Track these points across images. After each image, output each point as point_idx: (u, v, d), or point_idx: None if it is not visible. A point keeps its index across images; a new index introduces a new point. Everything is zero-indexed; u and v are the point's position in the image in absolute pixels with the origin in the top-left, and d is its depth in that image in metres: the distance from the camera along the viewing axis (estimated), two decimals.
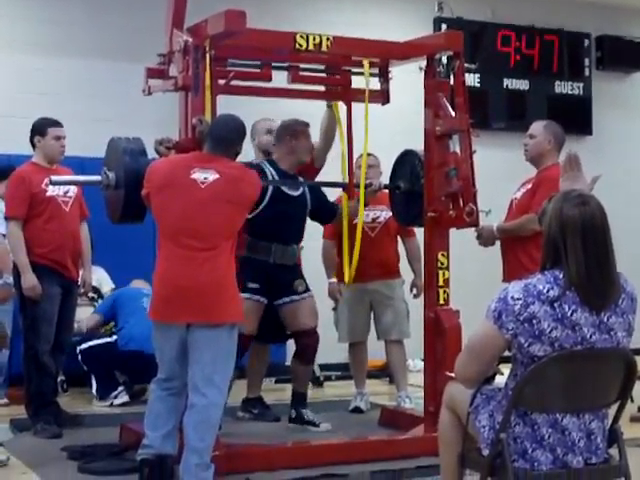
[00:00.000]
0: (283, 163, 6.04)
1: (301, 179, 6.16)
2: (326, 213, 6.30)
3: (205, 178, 4.71)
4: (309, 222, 6.27)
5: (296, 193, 6.04)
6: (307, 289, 6.12)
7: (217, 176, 4.72)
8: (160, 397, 4.82)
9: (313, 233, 6.68)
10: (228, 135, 4.88)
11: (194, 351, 4.66)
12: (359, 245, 5.96)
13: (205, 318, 4.64)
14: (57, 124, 6.33)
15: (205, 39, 5.20)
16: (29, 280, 6.09)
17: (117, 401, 7.24)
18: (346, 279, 6.13)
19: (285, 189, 5.98)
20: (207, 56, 5.22)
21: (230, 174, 4.76)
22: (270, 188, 5.86)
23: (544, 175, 5.82)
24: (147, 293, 7.13)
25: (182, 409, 4.74)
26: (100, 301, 7.86)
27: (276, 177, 5.96)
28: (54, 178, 5.73)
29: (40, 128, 6.30)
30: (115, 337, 7.37)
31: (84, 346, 7.30)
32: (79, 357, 7.27)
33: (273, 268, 5.93)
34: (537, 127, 6.00)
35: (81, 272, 6.55)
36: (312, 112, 6.41)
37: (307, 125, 6.11)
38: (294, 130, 6.07)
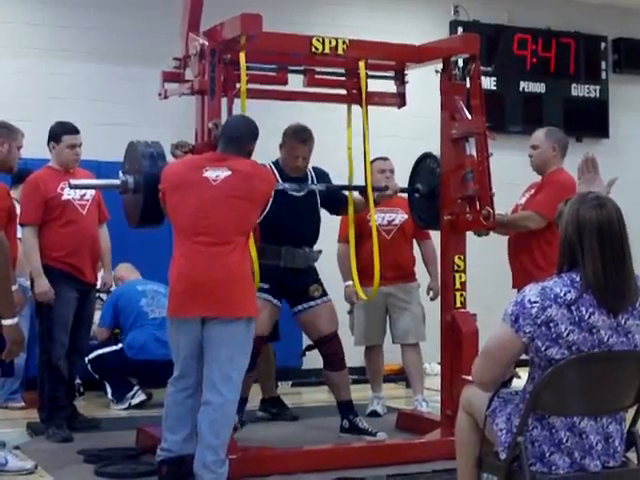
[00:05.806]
0: (285, 166, 5.98)
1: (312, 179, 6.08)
2: (334, 202, 6.17)
3: (217, 176, 4.76)
4: (324, 226, 6.21)
5: (300, 194, 5.96)
6: (324, 293, 6.05)
7: (229, 173, 4.76)
8: (177, 401, 4.82)
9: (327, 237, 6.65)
10: (239, 134, 4.92)
11: (211, 348, 4.67)
12: (377, 250, 5.91)
13: (219, 312, 4.65)
14: (73, 131, 6.27)
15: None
16: (41, 285, 6.09)
17: (135, 401, 7.23)
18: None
19: (288, 190, 5.89)
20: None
21: (242, 170, 4.79)
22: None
23: (548, 178, 5.89)
24: (141, 290, 7.28)
25: (198, 408, 4.72)
26: None
27: (279, 179, 5.84)
28: (73, 182, 5.66)
29: (55, 134, 6.26)
30: (121, 345, 7.28)
31: (92, 355, 7.20)
32: (88, 366, 7.19)
33: (285, 272, 5.81)
34: (538, 136, 5.98)
35: (101, 273, 6.55)
36: (328, 117, 6.40)
37: (303, 134, 5.96)
38: (286, 138, 5.99)
